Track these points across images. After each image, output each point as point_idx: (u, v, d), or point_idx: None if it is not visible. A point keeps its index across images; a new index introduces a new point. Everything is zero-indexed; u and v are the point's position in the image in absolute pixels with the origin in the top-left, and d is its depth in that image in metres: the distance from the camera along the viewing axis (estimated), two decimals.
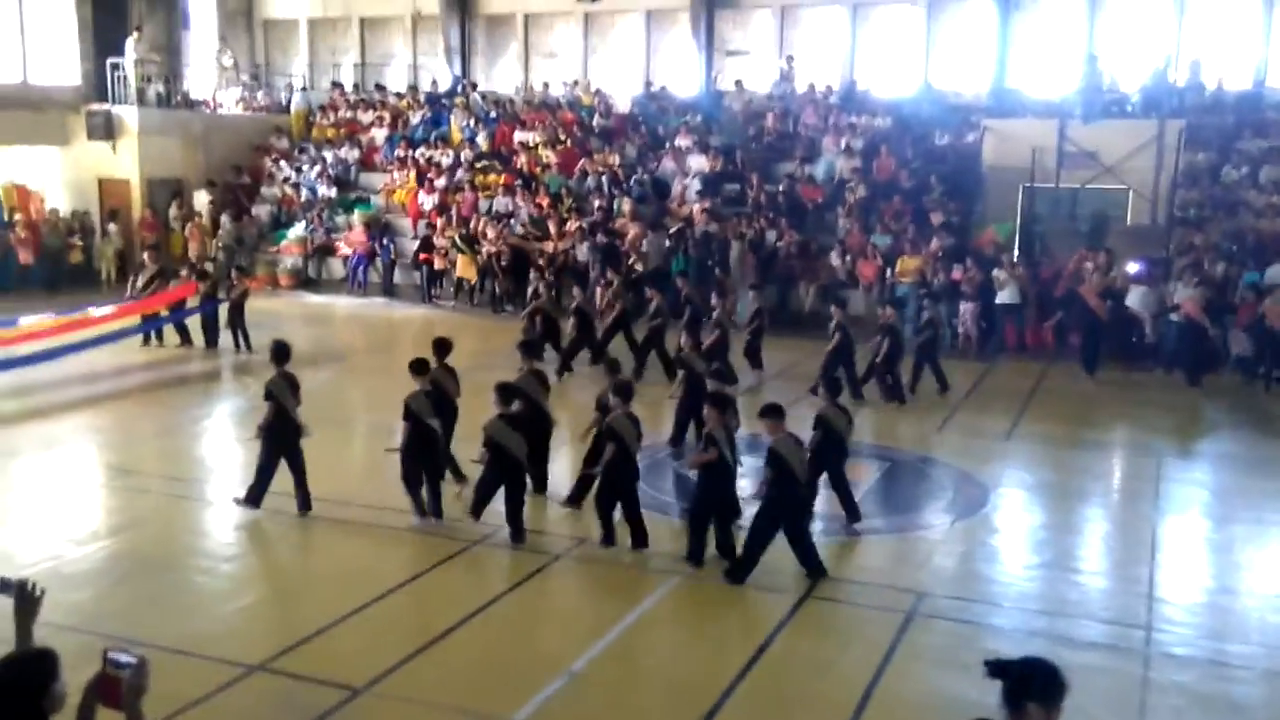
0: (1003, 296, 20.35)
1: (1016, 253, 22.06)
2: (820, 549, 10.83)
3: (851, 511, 11.31)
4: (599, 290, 21.09)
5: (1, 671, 4.19)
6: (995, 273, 20.47)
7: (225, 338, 19.37)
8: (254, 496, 11.20)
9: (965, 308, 20.51)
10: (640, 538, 10.49)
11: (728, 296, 18.84)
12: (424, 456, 11.14)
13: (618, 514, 10.55)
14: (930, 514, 12.00)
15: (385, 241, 26.37)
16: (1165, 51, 24.58)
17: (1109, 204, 22.54)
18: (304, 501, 11.25)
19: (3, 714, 4.12)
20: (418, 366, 11.47)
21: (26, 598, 4.70)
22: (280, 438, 11.18)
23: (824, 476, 11.31)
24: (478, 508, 10.83)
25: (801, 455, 9.95)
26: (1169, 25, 25.70)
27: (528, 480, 11.07)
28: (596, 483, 10.71)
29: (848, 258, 22.78)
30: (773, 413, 10.00)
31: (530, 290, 20.01)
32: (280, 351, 11.64)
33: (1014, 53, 26.87)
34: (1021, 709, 4.33)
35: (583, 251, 23.81)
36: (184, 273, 20.77)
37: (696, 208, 24.38)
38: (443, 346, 12.55)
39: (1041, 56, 26.70)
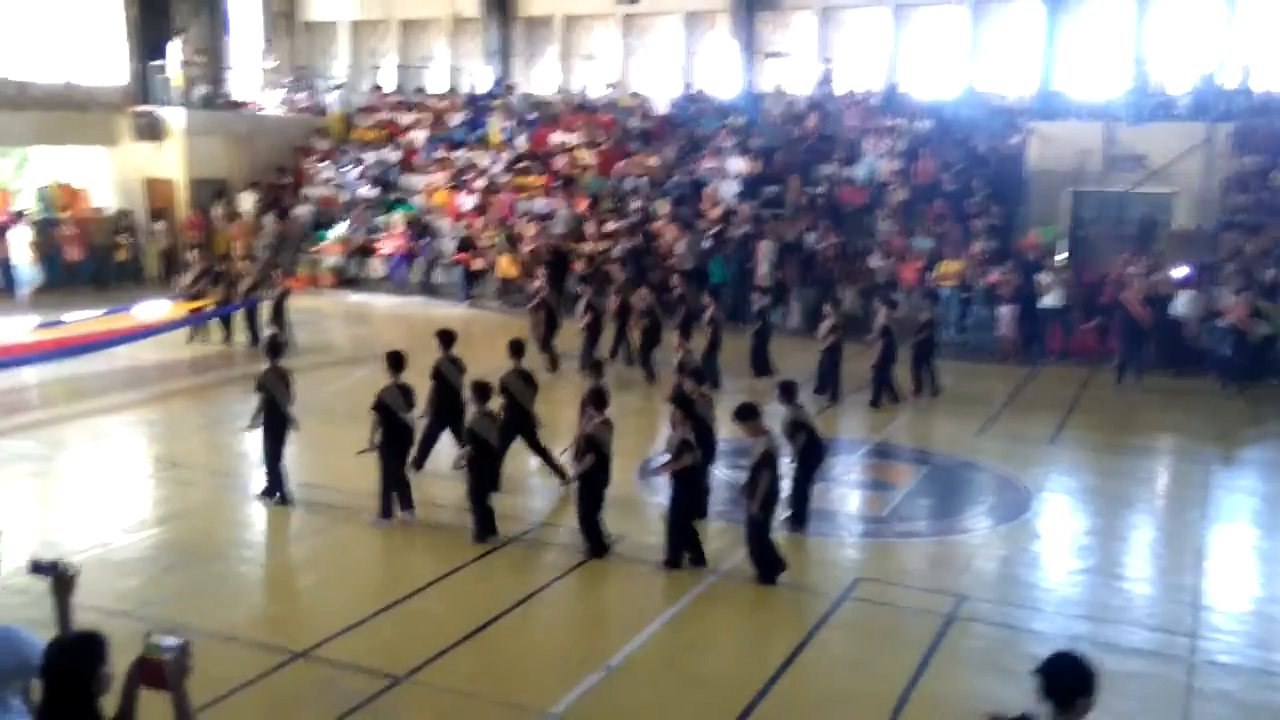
0: (1048, 300, 20.17)
1: (1060, 256, 21.84)
2: (861, 550, 10.83)
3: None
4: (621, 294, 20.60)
5: (53, 654, 4.28)
6: (1040, 276, 20.30)
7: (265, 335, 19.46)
8: (271, 489, 11.48)
9: (1003, 311, 20.34)
10: (596, 546, 10.36)
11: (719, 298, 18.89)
12: (402, 453, 11.14)
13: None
14: (971, 518, 11.89)
15: (425, 241, 26.44)
16: (1214, 54, 24.28)
17: (1156, 208, 22.27)
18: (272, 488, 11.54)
19: (54, 694, 4.20)
20: (393, 361, 11.37)
21: (63, 577, 4.78)
22: (273, 428, 11.44)
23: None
24: (482, 532, 10.66)
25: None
26: (1218, 27, 25.36)
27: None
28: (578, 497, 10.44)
29: (889, 260, 22.67)
30: (749, 414, 9.96)
31: (537, 287, 19.87)
32: (273, 347, 12.07)
33: (1060, 54, 26.62)
34: (1070, 705, 4.56)
35: (620, 253, 23.82)
36: (223, 269, 20.84)
37: (740, 208, 24.31)
38: (447, 338, 12.57)
39: (1088, 58, 26.44)
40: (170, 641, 4.31)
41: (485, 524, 10.58)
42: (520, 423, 12.13)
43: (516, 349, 12.53)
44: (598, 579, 10.01)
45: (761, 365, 17.89)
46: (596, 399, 10.61)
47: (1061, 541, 11.38)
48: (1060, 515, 12.22)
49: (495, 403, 11.12)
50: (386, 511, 11.02)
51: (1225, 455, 14.72)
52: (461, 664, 8.10)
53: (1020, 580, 10.21)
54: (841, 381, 16.92)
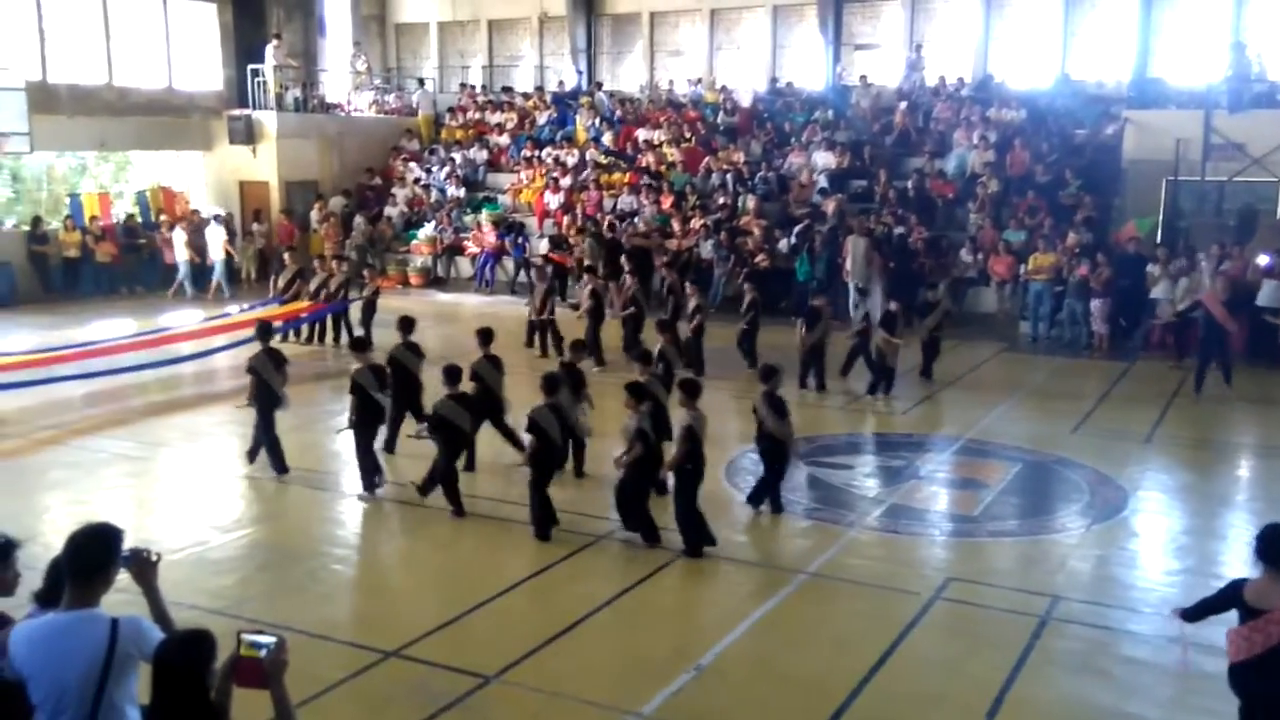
0: (1156, 293, 19.72)
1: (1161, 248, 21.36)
2: (953, 550, 10.70)
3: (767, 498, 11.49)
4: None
5: (169, 651, 4.41)
6: (1150, 268, 19.85)
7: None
8: (276, 465, 12.41)
9: (1095, 305, 19.96)
10: (542, 527, 10.62)
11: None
12: (371, 431, 11.84)
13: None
14: (1065, 517, 11.67)
15: (519, 240, 26.58)
16: None
17: (1258, 198, 21.68)
18: (253, 455, 12.54)
19: (169, 689, 4.31)
20: (356, 344, 12.61)
21: (142, 564, 4.90)
22: (265, 407, 12.27)
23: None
24: (425, 487, 11.44)
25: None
26: None
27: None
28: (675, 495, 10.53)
29: (979, 254, 22.37)
30: (686, 388, 10.56)
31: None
32: (264, 331, 13.09)
33: (1157, 40, 26.05)
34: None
35: (707, 249, 23.79)
36: (318, 268, 21.12)
37: (827, 203, 24.16)
38: (486, 336, 13.14)
39: (1185, 44, 25.83)
40: (264, 639, 4.40)
41: (544, 521, 10.67)
42: (491, 406, 12.57)
43: (485, 337, 13.13)
44: (687, 578, 10.00)
45: (750, 355, 17.78)
46: (548, 383, 10.99)
47: (1159, 541, 11.14)
48: (1157, 514, 11.95)
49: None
50: (369, 486, 11.77)
51: None
52: (551, 664, 8.13)
53: (1116, 580, 10.01)
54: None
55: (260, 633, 4.46)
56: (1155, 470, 13.46)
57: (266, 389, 12.28)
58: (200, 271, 25.92)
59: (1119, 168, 23.12)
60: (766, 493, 11.46)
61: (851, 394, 16.92)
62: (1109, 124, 24.22)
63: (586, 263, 22.78)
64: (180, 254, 25.51)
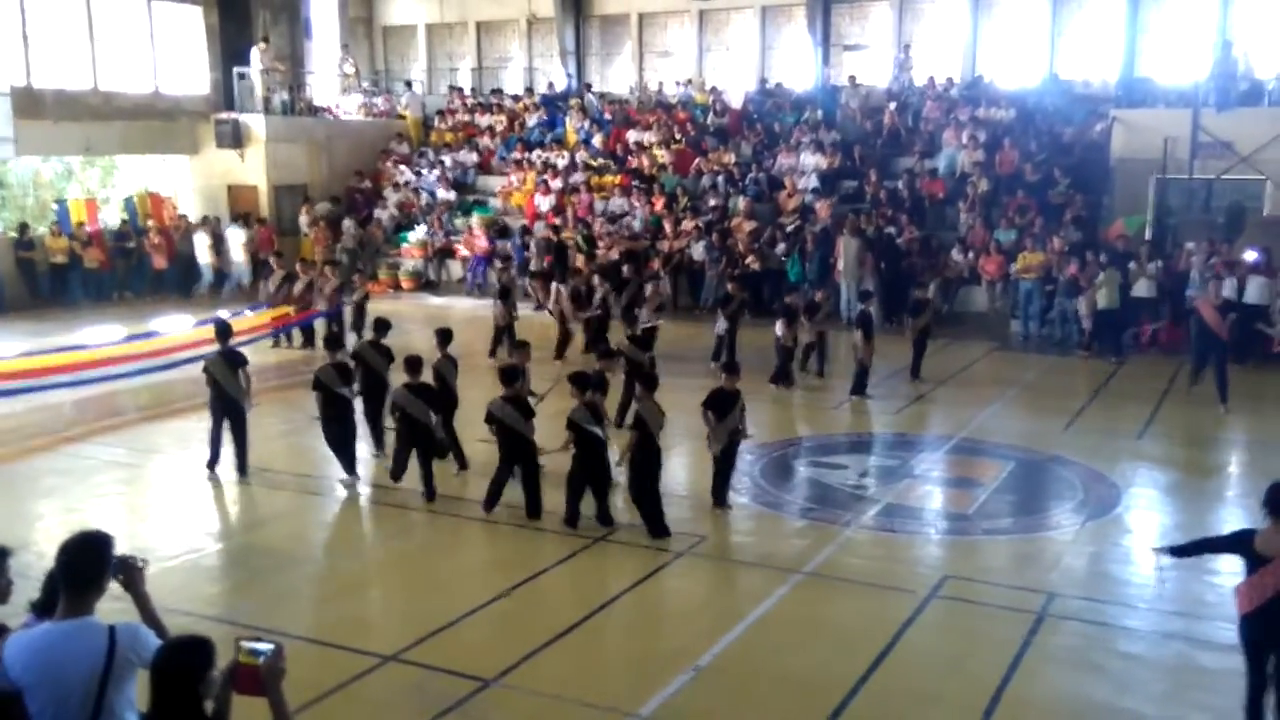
0: (1138, 291, 19.77)
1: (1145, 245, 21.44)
2: (949, 548, 10.72)
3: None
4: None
5: (165, 655, 4.39)
6: (1131, 266, 19.91)
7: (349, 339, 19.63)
8: (210, 462, 12.65)
9: (1084, 303, 19.99)
10: (489, 499, 11.27)
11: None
12: (342, 422, 12.27)
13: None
14: (1060, 514, 11.70)
15: (518, 243, 26.31)
16: None
17: (1246, 195, 21.77)
18: (241, 467, 12.61)
19: (164, 695, 4.29)
20: (329, 341, 13.11)
21: (130, 571, 4.89)
22: (218, 409, 12.50)
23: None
24: (397, 472, 12.00)
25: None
26: None
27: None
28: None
29: (970, 254, 22.42)
30: (575, 381, 11.00)
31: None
32: (222, 330, 13.17)
33: (1144, 40, 26.15)
34: None
35: (698, 250, 23.80)
36: (301, 272, 21.03)
37: (817, 204, 24.20)
38: (445, 336, 13.44)
39: (1173, 43, 25.93)
40: (263, 646, 4.40)
41: (574, 511, 10.92)
42: (446, 403, 12.77)
43: (444, 337, 13.42)
44: (684, 579, 10.01)
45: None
46: (505, 375, 11.33)
47: (1152, 537, 11.14)
48: (1150, 510, 12.02)
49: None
50: (350, 469, 12.23)
51: None
52: (550, 666, 8.14)
53: (1111, 576, 10.07)
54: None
55: (259, 640, 4.46)
56: (1147, 467, 13.50)
57: (219, 390, 12.45)
58: (218, 275, 26.17)
59: (1107, 166, 23.20)
60: (724, 488, 11.59)
61: (815, 388, 17.19)
62: (1097, 123, 24.30)
63: (532, 267, 23.03)
64: (203, 257, 25.52)
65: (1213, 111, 21.64)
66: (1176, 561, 10.20)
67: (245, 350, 15.44)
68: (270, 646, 4.40)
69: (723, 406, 11.37)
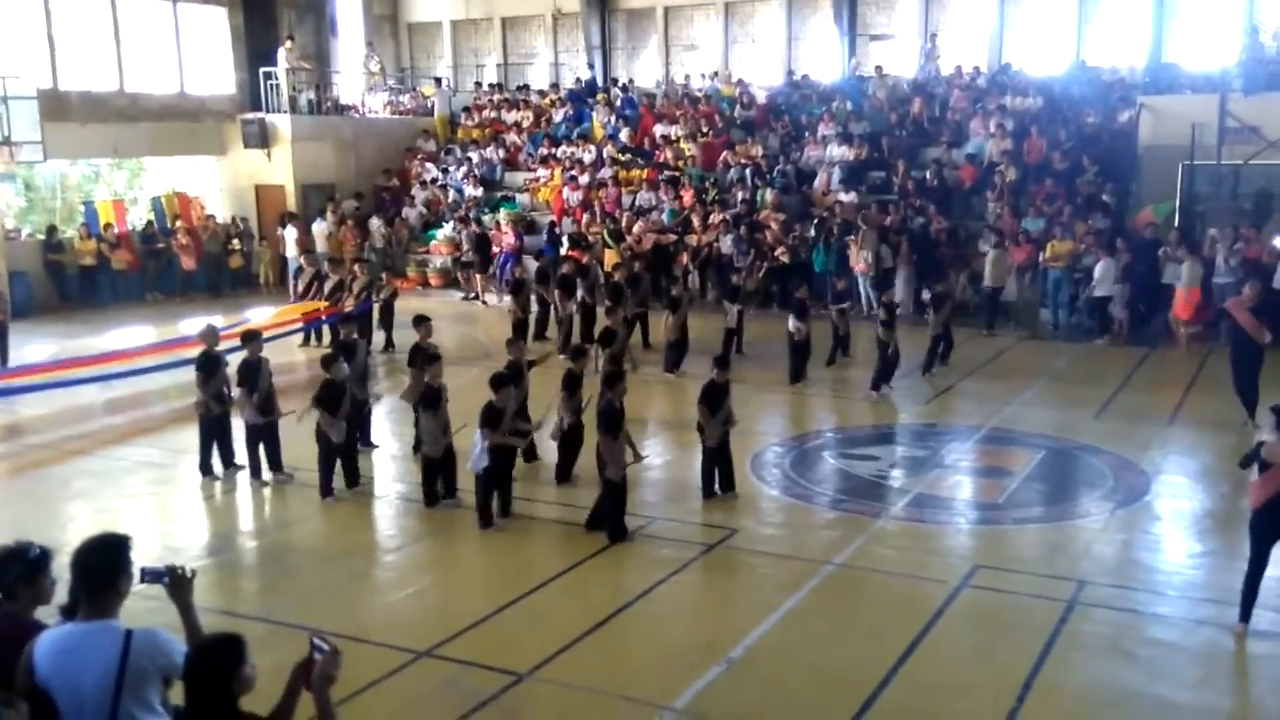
0: (1168, 277, 19.69)
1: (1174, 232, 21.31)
2: (979, 538, 10.79)
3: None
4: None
5: (194, 656, 4.45)
6: (1161, 253, 19.82)
7: (378, 337, 19.72)
8: (201, 465, 12.69)
9: (1115, 291, 19.90)
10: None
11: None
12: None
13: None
14: (1090, 502, 11.72)
15: (550, 239, 26.19)
16: None
17: (1274, 181, 21.59)
18: (261, 466, 12.56)
19: (195, 697, 4.35)
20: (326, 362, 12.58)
21: (178, 581, 4.92)
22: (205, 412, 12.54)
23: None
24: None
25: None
26: None
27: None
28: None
29: (997, 243, 22.30)
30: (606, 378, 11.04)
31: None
32: (208, 333, 13.05)
33: (1171, 25, 25.94)
34: None
35: (726, 244, 23.81)
36: (330, 272, 21.11)
37: (843, 197, 24.18)
38: (422, 323, 13.49)
39: (1200, 28, 25.74)
40: (325, 645, 4.45)
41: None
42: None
43: (420, 321, 13.57)
44: (715, 572, 10.08)
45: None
46: (608, 379, 11.07)
47: (1183, 524, 11.18)
48: (1181, 497, 12.00)
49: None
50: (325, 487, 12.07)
51: None
52: (583, 660, 8.21)
53: (1142, 564, 10.09)
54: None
55: (326, 640, 4.49)
56: (1177, 454, 13.52)
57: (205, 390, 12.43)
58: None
59: (1135, 154, 23.05)
60: (730, 475, 11.72)
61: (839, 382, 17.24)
62: (1125, 110, 24.15)
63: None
64: (291, 250, 25.49)
65: (1240, 96, 21.47)
66: (1208, 550, 10.30)
67: (274, 346, 15.51)
68: (328, 648, 4.44)
69: (716, 400, 11.45)
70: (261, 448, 12.49)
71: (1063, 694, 7.66)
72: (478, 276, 25.79)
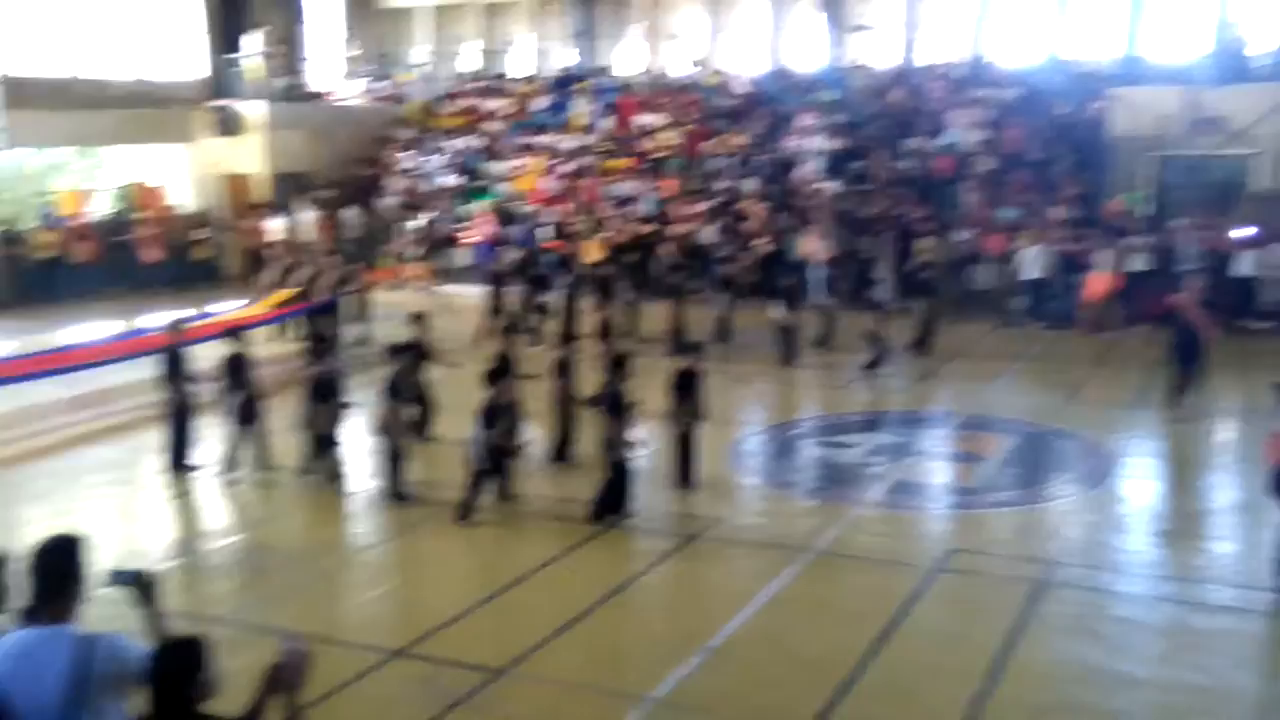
0: (1134, 264, 20.00)
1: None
2: (953, 522, 11.10)
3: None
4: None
5: (154, 659, 4.36)
6: (1124, 241, 20.14)
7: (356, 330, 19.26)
8: (172, 461, 12.53)
9: (1085, 278, 20.22)
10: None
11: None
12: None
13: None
14: (1059, 485, 12.05)
15: (530, 229, 25.88)
16: None
17: (1237, 171, 21.94)
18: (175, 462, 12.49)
19: (157, 700, 4.29)
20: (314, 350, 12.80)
21: (145, 586, 4.78)
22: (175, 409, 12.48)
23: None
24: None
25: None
26: None
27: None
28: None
29: (974, 232, 22.58)
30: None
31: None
32: (174, 326, 12.92)
33: (1143, 19, 26.24)
34: None
35: (707, 234, 23.89)
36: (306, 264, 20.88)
37: (823, 185, 24.35)
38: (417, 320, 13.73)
39: (1171, 22, 26.13)
40: (294, 648, 4.44)
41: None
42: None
43: (417, 318, 13.77)
44: (693, 561, 10.21)
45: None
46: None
47: (1146, 505, 11.58)
48: (1145, 479, 12.42)
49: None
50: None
51: None
52: (562, 654, 8.17)
53: (1108, 545, 10.40)
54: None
55: (295, 641, 4.50)
56: (1142, 437, 13.90)
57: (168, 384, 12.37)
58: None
59: (1107, 144, 23.34)
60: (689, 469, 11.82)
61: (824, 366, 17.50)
62: (1096, 102, 24.43)
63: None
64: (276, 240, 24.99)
65: (1208, 88, 21.80)
66: (1170, 530, 10.64)
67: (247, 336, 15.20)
68: (299, 649, 4.42)
69: (687, 387, 11.61)
70: (245, 443, 12.36)
71: (1033, 672, 7.90)
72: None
